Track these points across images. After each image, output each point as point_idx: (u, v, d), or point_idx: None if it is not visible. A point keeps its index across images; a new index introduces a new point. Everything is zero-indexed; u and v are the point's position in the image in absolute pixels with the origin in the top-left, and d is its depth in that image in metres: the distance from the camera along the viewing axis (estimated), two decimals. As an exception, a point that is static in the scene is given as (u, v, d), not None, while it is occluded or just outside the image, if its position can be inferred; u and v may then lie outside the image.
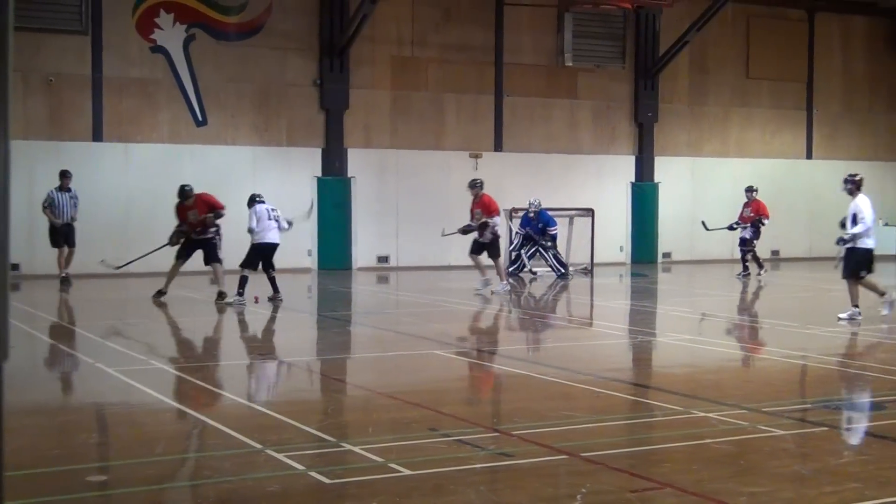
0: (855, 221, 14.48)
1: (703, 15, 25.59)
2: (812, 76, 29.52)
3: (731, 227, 22.63)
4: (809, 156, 29.48)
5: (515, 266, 22.10)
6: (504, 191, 22.32)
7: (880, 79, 30.41)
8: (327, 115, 23.66)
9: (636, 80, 26.91)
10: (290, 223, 17.15)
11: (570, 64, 26.05)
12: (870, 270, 14.59)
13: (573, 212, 23.45)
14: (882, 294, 14.74)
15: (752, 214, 22.37)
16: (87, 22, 21.69)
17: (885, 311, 14.68)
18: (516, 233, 22.61)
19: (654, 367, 11.89)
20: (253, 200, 16.81)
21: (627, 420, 8.56)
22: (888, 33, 30.29)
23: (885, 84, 30.45)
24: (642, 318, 16.18)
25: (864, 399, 9.17)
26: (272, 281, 16.84)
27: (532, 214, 22.18)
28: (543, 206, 22.74)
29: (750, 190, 22.67)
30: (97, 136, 21.96)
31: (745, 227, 22.37)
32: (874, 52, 30.31)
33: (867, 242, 14.47)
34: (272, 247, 16.72)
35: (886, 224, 29.80)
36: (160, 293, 17.04)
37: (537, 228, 22.21)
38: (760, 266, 22.17)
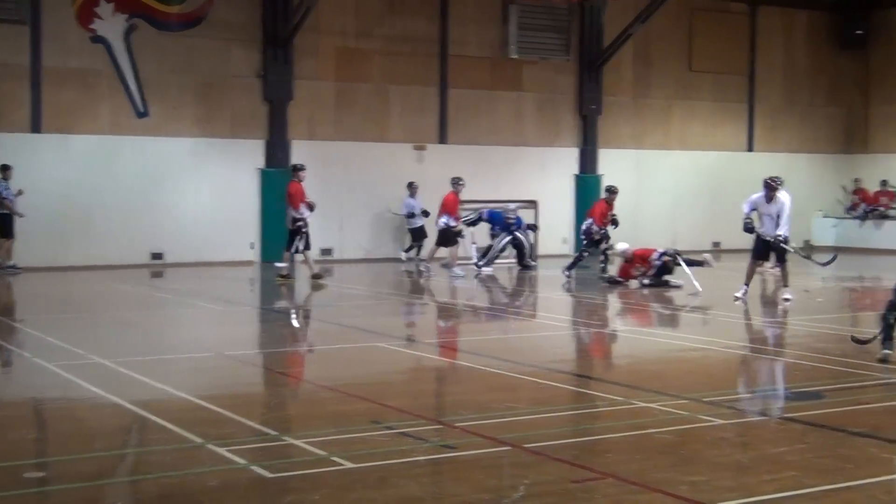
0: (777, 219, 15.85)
1: (647, 8, 25.75)
2: (754, 69, 29.82)
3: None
4: (751, 148, 29.79)
5: (486, 259, 21.88)
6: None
7: (821, 72, 30.77)
8: (271, 106, 23.48)
9: (581, 72, 27.00)
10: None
11: (515, 56, 26.08)
12: (765, 259, 16.57)
13: (516, 204, 23.45)
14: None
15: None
16: (27, 11, 21.32)
17: (787, 296, 15.83)
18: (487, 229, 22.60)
19: (598, 358, 11.97)
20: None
21: (570, 411, 8.60)
22: (829, 27, 30.66)
23: (825, 78, 30.82)
24: (586, 310, 16.27)
25: (802, 388, 9.26)
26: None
27: (511, 219, 22.28)
28: (487, 197, 22.90)
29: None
30: (35, 127, 21.60)
31: None
32: (816, 45, 30.67)
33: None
34: None
35: (826, 216, 30.23)
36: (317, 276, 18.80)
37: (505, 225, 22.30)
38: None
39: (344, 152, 24.20)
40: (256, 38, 23.38)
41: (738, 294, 15.84)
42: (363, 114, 24.65)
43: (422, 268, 20.91)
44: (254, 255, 23.34)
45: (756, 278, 17.02)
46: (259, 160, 23.41)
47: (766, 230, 15.85)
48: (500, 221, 22.26)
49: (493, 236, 22.35)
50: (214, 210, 22.97)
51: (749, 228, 15.95)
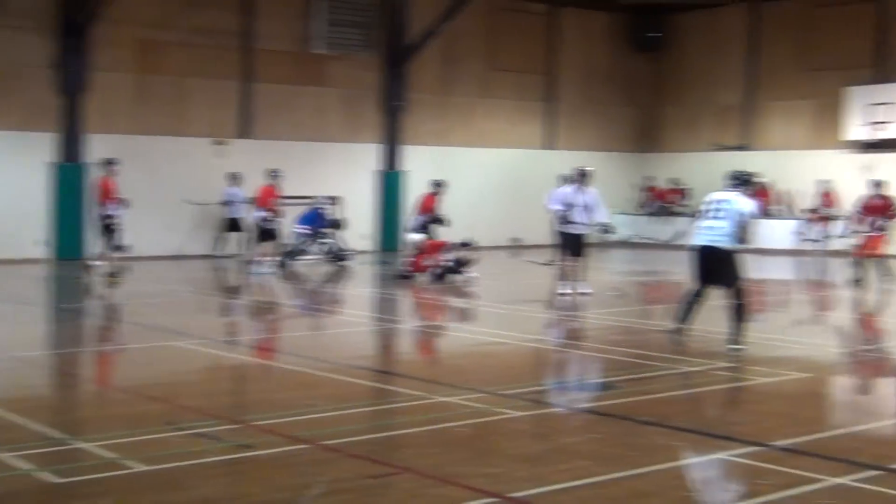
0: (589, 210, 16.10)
1: (452, 6, 25.99)
2: (554, 69, 30.54)
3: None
4: (551, 146, 30.49)
5: (290, 254, 21.63)
6: (251, 178, 21.98)
7: (619, 73, 31.76)
8: (65, 98, 22.60)
9: (385, 68, 27.05)
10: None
11: (320, 51, 25.93)
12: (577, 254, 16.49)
13: (321, 199, 23.34)
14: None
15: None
16: None
17: (568, 289, 16.18)
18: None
19: (398, 353, 12.01)
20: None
21: (369, 407, 8.61)
22: (627, 29, 31.68)
23: (622, 78, 31.83)
24: (387, 306, 16.32)
25: (595, 379, 9.56)
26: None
27: (320, 211, 22.14)
28: (291, 193, 22.73)
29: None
30: None
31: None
32: (614, 47, 31.63)
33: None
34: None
35: (620, 212, 31.23)
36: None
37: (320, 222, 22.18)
38: None
39: (142, 146, 23.49)
40: (50, 26, 22.44)
41: (567, 291, 16.08)
42: (162, 107, 24.02)
43: (247, 266, 20.48)
44: (45, 252, 22.38)
45: (548, 271, 17.32)
46: (52, 155, 22.49)
47: (578, 221, 16.08)
48: (315, 219, 22.18)
49: (306, 234, 22.17)
50: (1, 206, 21.93)
51: (565, 222, 16.19)
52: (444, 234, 20.91)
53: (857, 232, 18.46)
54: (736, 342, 10.75)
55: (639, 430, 7.51)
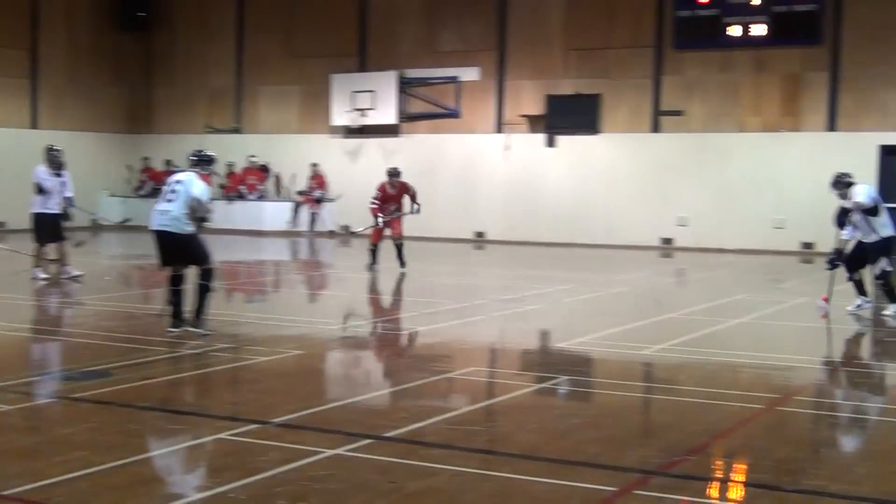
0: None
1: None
2: (37, 45, 29.00)
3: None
4: (35, 125, 28.98)
5: None
6: None
7: (105, 52, 30.79)
8: None
9: None
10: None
11: None
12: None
13: None
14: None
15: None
16: None
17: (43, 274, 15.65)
18: None
19: None
20: None
21: None
22: (112, 8, 30.76)
23: (110, 58, 30.91)
24: None
25: (90, 367, 9.19)
26: None
27: None
28: None
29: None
30: None
31: None
32: (99, 25, 30.60)
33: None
34: None
35: (113, 194, 30.39)
36: None
37: None
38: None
39: None
40: None
41: (42, 275, 15.41)
42: None
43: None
44: None
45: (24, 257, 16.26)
46: None
47: (53, 203, 15.41)
48: None
49: None
50: None
51: (39, 205, 15.40)
52: None
53: (381, 219, 18.26)
54: (197, 325, 10.59)
55: (138, 416, 7.34)
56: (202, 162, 10.78)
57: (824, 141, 23.98)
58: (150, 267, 19.96)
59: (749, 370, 9.59)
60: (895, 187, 23.49)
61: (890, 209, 23.18)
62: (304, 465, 6.11)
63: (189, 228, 10.48)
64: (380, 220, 18.38)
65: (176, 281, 10.74)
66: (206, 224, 10.71)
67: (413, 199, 18.66)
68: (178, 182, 10.53)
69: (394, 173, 18.70)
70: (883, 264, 12.67)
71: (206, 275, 10.62)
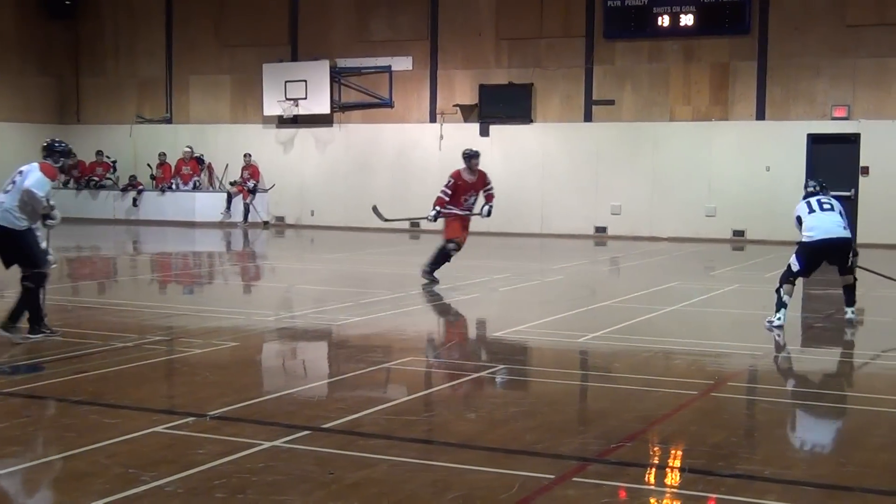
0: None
1: None
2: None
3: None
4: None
5: None
6: None
7: (32, 41, 30.24)
8: None
9: None
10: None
11: None
12: None
13: None
14: None
15: None
16: None
17: None
18: None
19: None
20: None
21: None
22: (39, -5, 30.29)
23: (36, 46, 30.36)
24: None
25: (21, 362, 9.04)
26: None
27: None
28: None
29: None
30: None
31: None
32: (25, 13, 30.03)
33: None
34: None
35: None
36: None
37: None
38: None
39: None
40: None
41: None
42: None
43: None
44: None
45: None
46: None
47: None
48: None
49: None
50: None
51: None
52: None
53: (434, 214, 15.11)
54: (7, 328, 9.72)
55: (73, 410, 7.25)
56: (53, 153, 9.93)
57: (753, 130, 24.32)
58: (84, 259, 19.75)
59: (683, 357, 9.71)
60: (823, 175, 23.77)
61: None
62: (242, 457, 6.07)
63: (22, 224, 9.57)
64: (433, 214, 15.10)
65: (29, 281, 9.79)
66: (52, 222, 9.80)
67: (488, 196, 15.40)
68: (19, 172, 9.72)
69: (472, 154, 15.19)
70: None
71: (34, 278, 9.72)
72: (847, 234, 11.42)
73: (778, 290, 11.22)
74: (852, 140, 23.55)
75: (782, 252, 21.36)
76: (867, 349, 10.86)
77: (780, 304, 11.13)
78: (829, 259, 11.47)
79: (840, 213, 11.49)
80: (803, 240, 11.33)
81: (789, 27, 23.99)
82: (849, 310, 11.55)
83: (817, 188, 11.76)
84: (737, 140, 24.40)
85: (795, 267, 11.26)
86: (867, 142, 23.38)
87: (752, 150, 24.14)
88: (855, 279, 11.56)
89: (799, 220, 11.49)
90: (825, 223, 11.25)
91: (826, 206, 11.40)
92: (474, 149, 15.58)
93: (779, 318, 11.05)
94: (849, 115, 23.62)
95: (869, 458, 6.35)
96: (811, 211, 11.39)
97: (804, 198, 11.65)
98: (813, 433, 7.03)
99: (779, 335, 10.87)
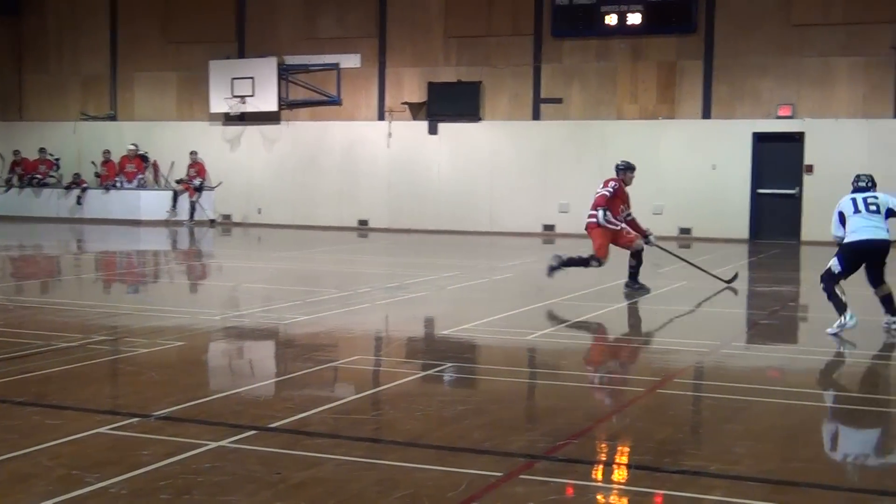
0: None
1: None
2: None
3: None
4: None
5: None
6: None
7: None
8: None
9: None
10: None
11: None
12: None
13: None
14: None
15: None
16: None
17: None
18: None
19: None
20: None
21: None
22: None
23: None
24: None
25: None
26: None
27: None
28: None
29: None
30: None
31: None
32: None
33: None
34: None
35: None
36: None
37: None
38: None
39: None
40: None
41: None
42: None
43: None
44: None
45: None
46: None
47: None
48: None
49: None
50: None
51: None
52: None
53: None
54: None
55: (14, 411, 7.13)
56: None
57: (700, 128, 24.52)
58: (27, 258, 19.47)
59: (630, 354, 9.75)
60: (768, 174, 24.20)
61: (765, 195, 24.08)
62: (188, 457, 6.01)
63: None
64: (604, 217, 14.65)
65: None
66: None
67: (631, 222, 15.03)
68: None
69: (630, 167, 14.98)
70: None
71: None
72: (888, 236, 11.02)
73: (830, 295, 10.90)
74: (797, 139, 23.84)
75: (728, 249, 21.60)
76: (813, 345, 10.98)
77: (841, 306, 10.79)
78: (868, 261, 11.08)
79: (887, 214, 11.00)
80: (847, 240, 10.99)
81: (736, 26, 24.23)
82: (893, 319, 11.12)
83: (868, 184, 11.29)
84: (684, 138, 24.59)
85: (837, 269, 10.94)
86: (812, 140, 23.68)
87: (699, 149, 24.34)
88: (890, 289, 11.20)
89: (841, 215, 11.12)
90: (869, 224, 10.89)
91: (872, 208, 10.97)
92: (631, 162, 15.15)
93: (850, 317, 10.70)
94: (794, 113, 23.91)
95: (814, 454, 6.41)
96: (856, 210, 10.99)
97: (852, 192, 11.23)
98: (759, 429, 7.08)
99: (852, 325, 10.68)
